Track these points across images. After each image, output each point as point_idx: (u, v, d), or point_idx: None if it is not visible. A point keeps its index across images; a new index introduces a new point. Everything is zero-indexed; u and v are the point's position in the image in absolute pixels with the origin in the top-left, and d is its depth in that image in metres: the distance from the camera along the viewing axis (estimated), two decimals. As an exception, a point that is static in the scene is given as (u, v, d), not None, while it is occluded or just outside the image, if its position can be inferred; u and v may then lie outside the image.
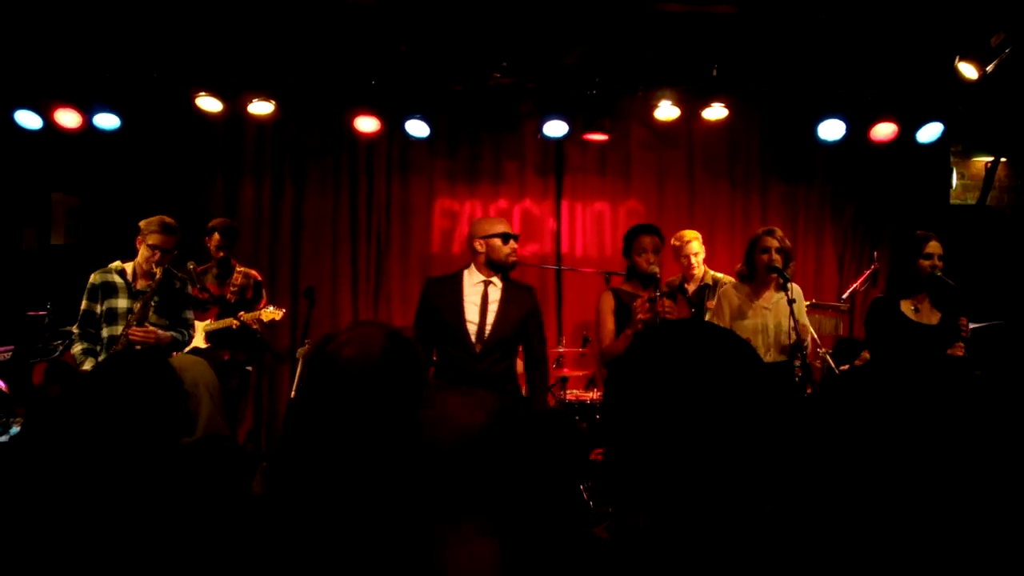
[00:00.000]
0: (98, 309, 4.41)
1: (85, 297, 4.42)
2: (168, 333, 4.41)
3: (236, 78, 5.92)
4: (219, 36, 5.65)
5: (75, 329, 4.46)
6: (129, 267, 4.48)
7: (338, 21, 5.52)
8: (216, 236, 5.26)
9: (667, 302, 3.88)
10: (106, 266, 4.49)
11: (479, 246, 3.96)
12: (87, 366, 4.31)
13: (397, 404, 1.43)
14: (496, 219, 4.26)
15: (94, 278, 4.44)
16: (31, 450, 2.00)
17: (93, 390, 1.92)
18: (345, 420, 1.41)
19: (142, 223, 4.42)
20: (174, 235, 4.40)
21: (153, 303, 4.41)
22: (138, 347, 4.22)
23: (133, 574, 1.59)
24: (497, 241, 3.93)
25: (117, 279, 4.43)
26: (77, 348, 4.42)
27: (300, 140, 6.57)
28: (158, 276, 4.35)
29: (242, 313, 5.07)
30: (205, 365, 2.50)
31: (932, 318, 4.14)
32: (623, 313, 4.09)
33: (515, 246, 3.99)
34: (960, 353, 4.01)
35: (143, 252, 4.38)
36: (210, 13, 5.37)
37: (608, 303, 4.18)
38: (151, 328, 4.31)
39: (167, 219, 4.41)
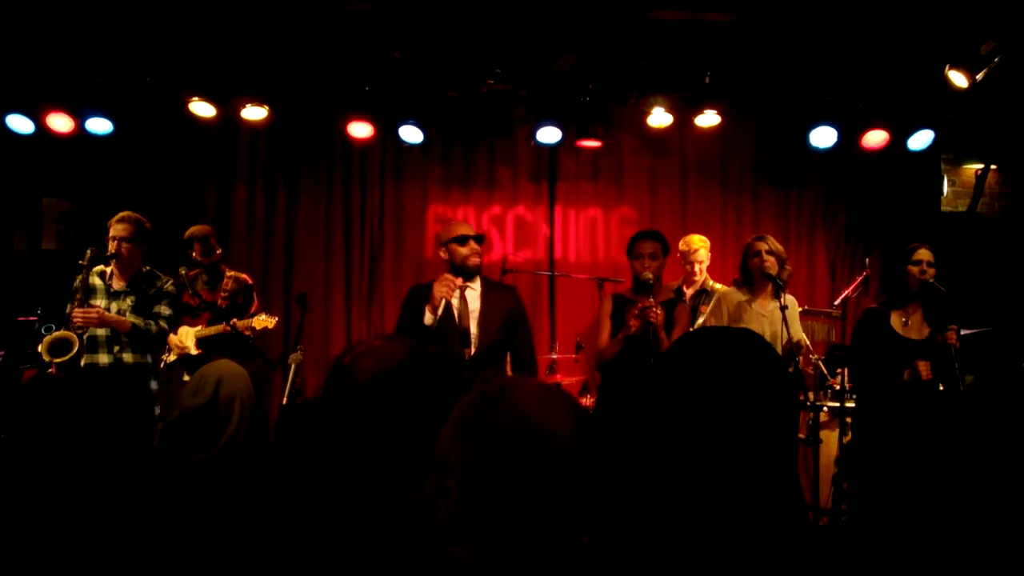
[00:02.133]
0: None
1: (70, 300, 4.47)
2: (125, 319, 4.39)
3: (229, 83, 5.92)
4: (212, 41, 5.65)
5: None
6: (109, 269, 4.50)
7: (332, 26, 5.53)
8: (196, 245, 5.28)
9: (659, 310, 3.87)
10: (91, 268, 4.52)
11: (443, 253, 3.96)
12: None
13: (414, 419, 1.41)
14: (459, 223, 4.26)
15: (77, 281, 4.48)
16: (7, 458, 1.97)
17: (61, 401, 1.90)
18: (360, 432, 1.39)
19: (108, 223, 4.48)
20: (131, 224, 4.44)
21: (130, 303, 4.43)
22: (80, 329, 4.29)
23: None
24: (455, 245, 3.90)
25: (97, 281, 4.49)
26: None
27: (293, 145, 6.56)
28: (97, 262, 4.40)
29: (235, 320, 5.05)
30: (245, 377, 2.40)
31: (921, 333, 4.15)
32: (621, 318, 4.09)
33: (476, 247, 3.92)
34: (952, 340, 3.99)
35: (108, 247, 4.43)
36: (203, 18, 5.37)
37: (607, 308, 4.18)
38: (94, 309, 4.33)
39: (125, 212, 4.46)
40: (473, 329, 3.86)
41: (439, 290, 3.75)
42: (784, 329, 4.09)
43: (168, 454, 2.24)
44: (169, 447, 2.26)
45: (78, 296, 4.38)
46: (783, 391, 1.21)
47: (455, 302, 3.88)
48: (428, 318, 3.75)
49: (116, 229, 4.42)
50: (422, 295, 3.95)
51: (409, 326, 3.89)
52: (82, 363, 4.31)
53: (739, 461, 1.17)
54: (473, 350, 3.84)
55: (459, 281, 3.81)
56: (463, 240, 3.91)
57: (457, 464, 1.08)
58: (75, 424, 1.87)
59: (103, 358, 4.41)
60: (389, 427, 1.39)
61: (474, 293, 3.93)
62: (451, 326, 3.85)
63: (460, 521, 1.06)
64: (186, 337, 5.18)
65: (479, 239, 3.95)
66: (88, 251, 4.45)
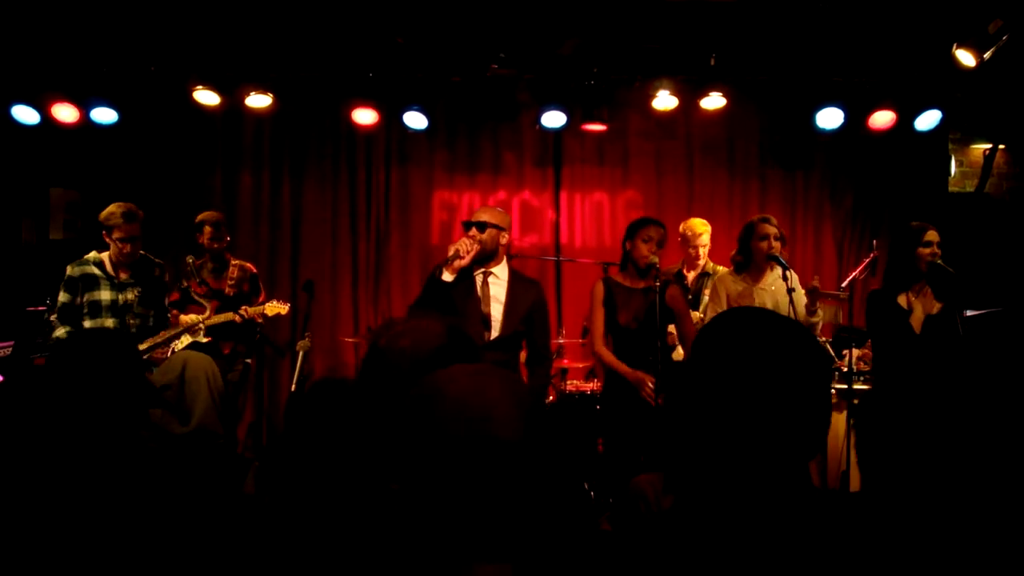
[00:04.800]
0: (78, 301, 4.43)
1: (63, 290, 4.45)
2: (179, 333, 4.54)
3: (233, 71, 5.91)
4: (216, 29, 5.63)
5: (52, 318, 4.47)
6: (106, 257, 4.49)
7: (335, 13, 5.51)
8: (207, 229, 5.25)
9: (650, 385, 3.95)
10: (82, 257, 4.51)
11: None
12: None
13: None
14: (481, 208, 4.25)
15: (71, 270, 4.46)
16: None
17: (58, 369, 1.91)
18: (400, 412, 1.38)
19: (101, 217, 4.41)
20: (137, 220, 4.42)
21: (136, 294, 4.46)
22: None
23: (114, 567, 1.57)
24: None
25: (96, 271, 4.46)
26: (61, 331, 4.45)
27: (298, 133, 6.56)
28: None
29: (245, 307, 5.06)
30: (210, 361, 2.49)
31: (932, 309, 4.12)
32: (613, 303, 4.12)
33: (474, 234, 3.88)
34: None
35: (114, 248, 4.40)
36: (207, 6, 5.36)
37: (599, 294, 4.19)
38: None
39: (125, 208, 4.41)
40: (496, 315, 3.89)
41: (452, 245, 3.81)
42: (791, 309, 4.10)
43: (149, 429, 2.27)
44: (149, 422, 2.30)
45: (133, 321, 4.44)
46: (821, 375, 1.21)
47: (478, 285, 3.90)
48: (446, 275, 3.77)
49: (128, 230, 4.37)
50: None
51: (429, 290, 3.87)
52: None
53: (775, 444, 1.17)
54: (494, 334, 3.87)
55: (474, 247, 3.81)
56: (466, 226, 3.95)
57: (402, 464, 1.07)
58: (75, 411, 1.89)
59: None
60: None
61: (498, 281, 3.94)
62: (474, 308, 3.87)
63: (415, 519, 1.05)
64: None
65: (480, 226, 3.90)
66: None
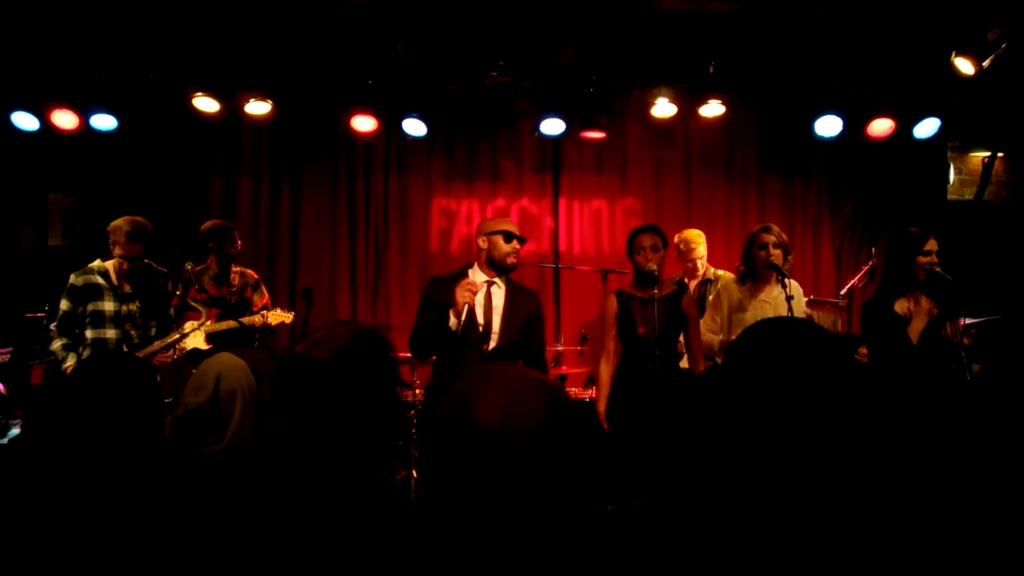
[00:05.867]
0: (80, 310, 4.44)
1: (65, 298, 4.46)
2: (170, 355, 4.55)
3: (233, 78, 5.92)
4: (215, 36, 5.64)
5: (52, 327, 4.49)
6: (110, 266, 4.50)
7: (334, 20, 5.52)
8: (226, 236, 5.23)
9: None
10: (86, 266, 4.52)
11: (482, 242, 3.91)
12: (70, 362, 4.36)
13: (365, 403, 1.44)
14: (504, 219, 4.24)
15: (74, 279, 4.47)
16: (25, 452, 1.99)
17: (76, 390, 1.92)
18: (315, 420, 1.42)
19: (109, 228, 4.44)
20: (141, 240, 4.43)
21: (137, 306, 4.47)
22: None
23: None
24: (499, 238, 3.86)
25: (100, 280, 4.47)
26: (57, 344, 4.46)
27: (297, 140, 6.56)
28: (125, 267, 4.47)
29: (248, 318, 5.04)
30: (245, 369, 2.42)
31: (930, 318, 4.10)
32: (629, 315, 4.13)
33: (517, 247, 3.89)
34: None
35: (115, 261, 4.44)
36: (206, 13, 5.36)
37: (612, 308, 4.19)
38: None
39: (132, 227, 4.40)
40: (495, 326, 3.85)
41: (462, 295, 3.68)
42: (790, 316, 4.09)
43: (178, 447, 2.27)
44: (178, 441, 2.30)
45: (152, 351, 4.49)
46: (857, 386, 1.21)
47: (480, 297, 3.85)
48: (452, 322, 3.72)
49: (129, 249, 4.39)
50: (443, 288, 3.85)
51: (431, 322, 3.80)
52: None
53: (815, 455, 1.18)
54: (492, 345, 3.84)
55: (480, 286, 3.79)
56: (508, 237, 3.87)
57: (428, 460, 1.09)
58: (87, 417, 1.90)
59: None
60: (347, 411, 1.42)
61: (499, 291, 3.91)
62: (472, 320, 3.82)
63: (434, 514, 1.07)
64: (195, 334, 5.18)
65: (521, 240, 3.92)
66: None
